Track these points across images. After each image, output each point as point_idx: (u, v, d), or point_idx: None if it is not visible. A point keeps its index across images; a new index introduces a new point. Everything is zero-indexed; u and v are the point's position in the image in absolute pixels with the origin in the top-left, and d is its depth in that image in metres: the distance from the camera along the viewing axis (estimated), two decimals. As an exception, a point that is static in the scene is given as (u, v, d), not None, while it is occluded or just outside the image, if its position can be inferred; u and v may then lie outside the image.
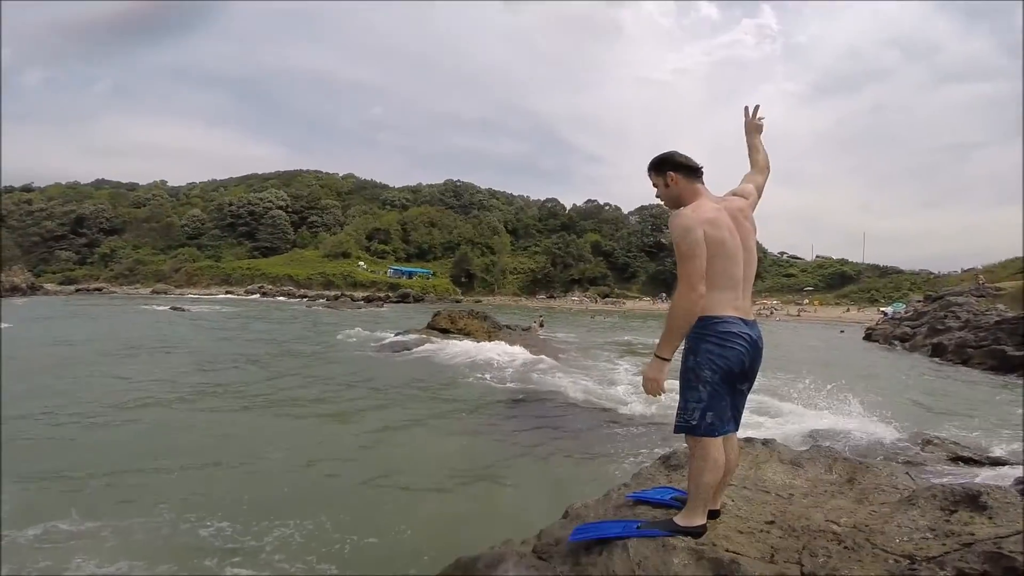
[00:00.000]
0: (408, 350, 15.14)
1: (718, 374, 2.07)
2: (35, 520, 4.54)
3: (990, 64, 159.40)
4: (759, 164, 2.52)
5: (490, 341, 16.47)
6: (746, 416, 2.32)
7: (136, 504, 4.97)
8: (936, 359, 17.89)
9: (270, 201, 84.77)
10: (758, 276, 2.37)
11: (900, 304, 39.93)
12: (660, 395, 2.09)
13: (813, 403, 9.56)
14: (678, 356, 2.15)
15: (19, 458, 6.12)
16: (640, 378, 2.16)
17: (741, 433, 2.42)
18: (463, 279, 73.51)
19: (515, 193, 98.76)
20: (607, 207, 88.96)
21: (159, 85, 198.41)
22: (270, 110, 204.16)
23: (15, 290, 44.72)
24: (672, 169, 2.21)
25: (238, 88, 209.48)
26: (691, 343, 2.13)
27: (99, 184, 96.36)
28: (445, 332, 17.20)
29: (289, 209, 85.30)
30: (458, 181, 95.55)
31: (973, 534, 1.92)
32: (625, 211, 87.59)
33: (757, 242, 2.34)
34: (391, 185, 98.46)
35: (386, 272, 73.04)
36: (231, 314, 33.89)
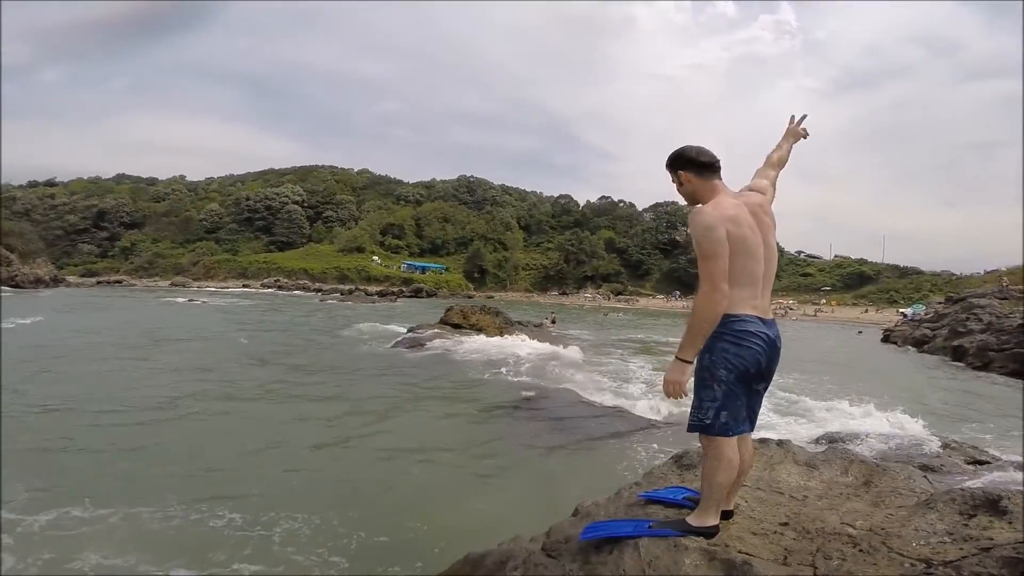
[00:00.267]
0: (421, 345, 15.22)
1: (733, 373, 2.04)
2: (49, 506, 4.65)
3: (1015, 61, 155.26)
4: (772, 160, 2.47)
5: (502, 337, 16.50)
6: (761, 416, 2.29)
7: (146, 494, 5.04)
8: (956, 362, 17.56)
9: (286, 196, 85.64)
10: (775, 275, 2.32)
11: (920, 306, 39.26)
12: (681, 398, 2.07)
13: (828, 404, 9.44)
14: None
15: (36, 446, 6.30)
16: (655, 377, 2.15)
17: (756, 434, 2.39)
18: (476, 275, 73.67)
19: (528, 189, 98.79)
20: (621, 204, 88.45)
21: (177, 81, 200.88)
22: (285, 106, 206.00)
23: (39, 282, 45.75)
24: (683, 167, 2.16)
25: (254, 84, 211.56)
26: (707, 341, 2.08)
27: (120, 179, 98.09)
28: (457, 327, 17.27)
29: (305, 204, 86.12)
30: (471, 177, 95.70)
31: (992, 539, 1.88)
32: (639, 208, 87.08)
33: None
34: (405, 180, 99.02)
35: (400, 267, 73.47)
36: (248, 307, 34.37)
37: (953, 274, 62.43)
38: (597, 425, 7.88)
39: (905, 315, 34.76)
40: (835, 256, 77.76)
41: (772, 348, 2.10)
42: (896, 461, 4.13)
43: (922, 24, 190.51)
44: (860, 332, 32.41)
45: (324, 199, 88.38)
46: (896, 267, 68.71)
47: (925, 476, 2.82)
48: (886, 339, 26.37)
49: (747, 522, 2.24)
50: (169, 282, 65.94)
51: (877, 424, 7.56)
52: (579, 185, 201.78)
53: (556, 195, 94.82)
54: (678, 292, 67.12)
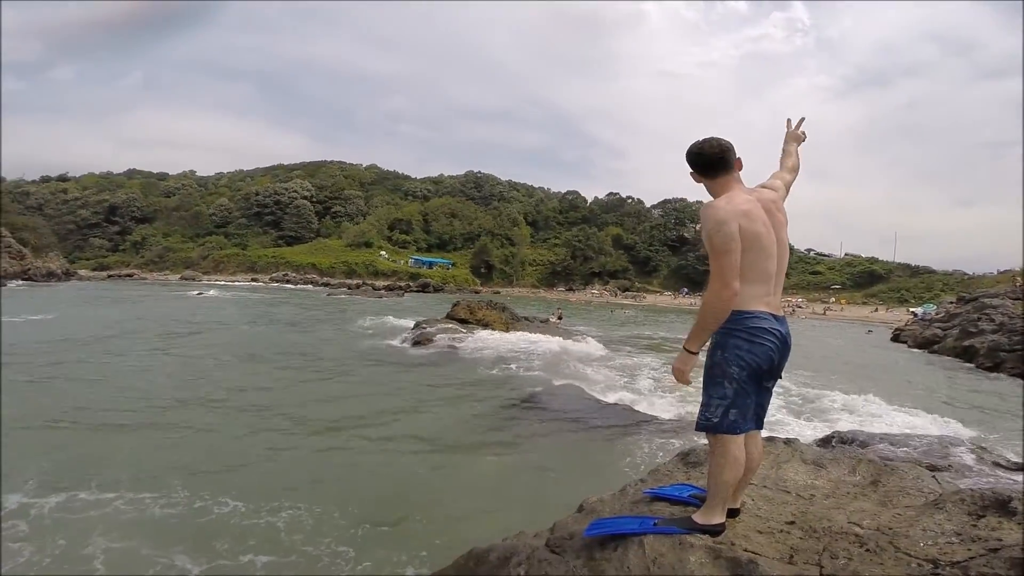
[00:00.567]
0: (427, 340, 15.25)
1: (745, 371, 2.03)
2: (59, 489, 4.78)
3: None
4: (788, 166, 2.44)
5: (508, 332, 16.51)
6: (768, 415, 2.28)
7: (150, 479, 5.15)
8: (967, 363, 17.37)
9: (295, 191, 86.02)
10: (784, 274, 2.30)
11: (931, 305, 38.85)
12: (688, 384, 2.12)
13: (836, 403, 9.38)
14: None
15: (47, 430, 6.42)
16: (663, 374, 2.16)
17: (763, 432, 2.38)
18: (482, 270, 73.74)
19: (535, 185, 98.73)
20: (629, 200, 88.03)
21: (187, 78, 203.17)
22: (294, 101, 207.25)
23: (51, 276, 46.28)
24: (691, 167, 2.15)
25: (263, 80, 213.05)
26: (719, 338, 2.08)
27: (131, 174, 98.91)
28: (464, 322, 17.29)
29: (313, 199, 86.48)
30: (479, 172, 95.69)
31: (1001, 540, 1.86)
32: (648, 204, 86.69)
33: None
34: (413, 176, 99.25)
35: (407, 262, 73.66)
36: (257, 300, 34.63)
37: (965, 273, 61.76)
38: (603, 421, 7.88)
39: (916, 314, 34.43)
40: (846, 254, 77.09)
41: (784, 345, 2.09)
42: (904, 460, 4.10)
43: (936, 22, 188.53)
44: (870, 331, 32.14)
45: (332, 194, 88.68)
46: (907, 266, 68.02)
47: (933, 476, 2.80)
48: (896, 338, 26.14)
49: (753, 520, 2.23)
50: (179, 276, 66.53)
51: (885, 423, 7.50)
52: (587, 181, 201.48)
53: (564, 191, 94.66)
54: (686, 289, 66.81)
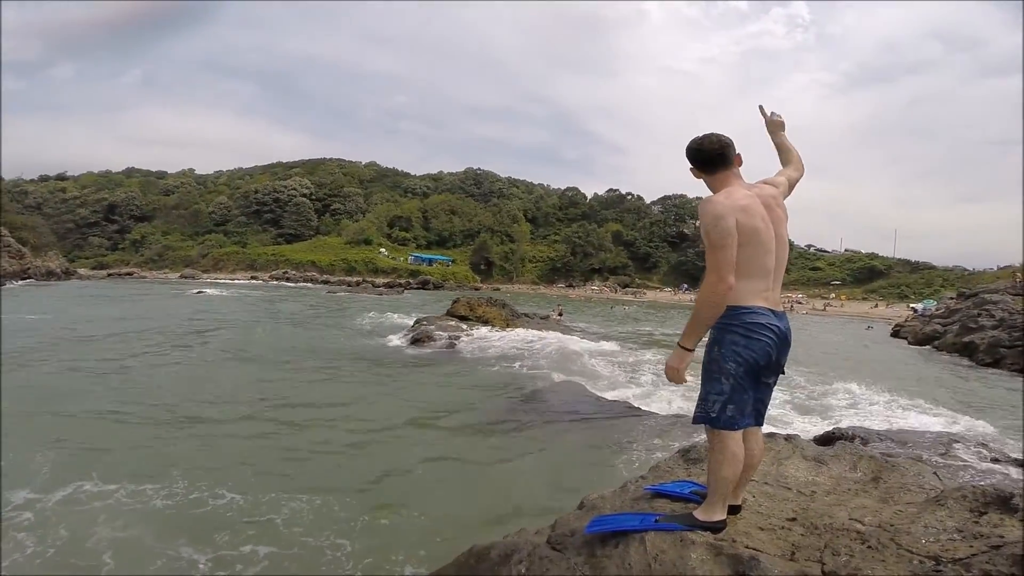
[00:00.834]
0: (427, 336, 15.25)
1: (742, 367, 2.02)
2: (66, 481, 4.89)
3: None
4: (793, 162, 2.39)
5: (508, 329, 16.51)
6: (769, 411, 2.28)
7: (151, 471, 5.24)
8: (967, 359, 17.38)
9: (294, 189, 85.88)
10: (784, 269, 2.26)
11: (931, 301, 38.89)
12: (682, 383, 2.08)
13: (836, 400, 9.38)
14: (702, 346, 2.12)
15: (55, 425, 6.44)
16: (663, 371, 2.14)
17: (764, 428, 2.38)
18: (482, 267, 73.69)
19: (535, 182, 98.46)
20: (629, 196, 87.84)
21: (186, 76, 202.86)
22: (294, 99, 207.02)
23: (51, 275, 46.23)
24: (691, 164, 2.15)
25: (263, 78, 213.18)
26: (716, 333, 2.07)
27: (130, 172, 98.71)
28: (464, 319, 17.29)
29: (313, 197, 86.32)
30: (478, 169, 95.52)
31: (1003, 536, 1.86)
32: (648, 200, 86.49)
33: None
34: (412, 173, 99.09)
35: (407, 259, 73.57)
36: (258, 298, 34.57)
37: (966, 269, 61.81)
38: (604, 418, 7.88)
39: (916, 310, 34.44)
40: (845, 250, 77.05)
41: (783, 341, 2.08)
42: (904, 457, 4.10)
43: (939, 19, 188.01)
44: (869, 327, 32.14)
45: (332, 192, 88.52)
46: (907, 262, 67.99)
47: (935, 472, 2.80)
48: (896, 334, 26.16)
49: (754, 517, 2.23)
50: (179, 274, 66.44)
51: (885, 420, 7.50)
52: (587, 178, 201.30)
53: (563, 188, 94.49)
54: (686, 285, 66.78)
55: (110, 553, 3.89)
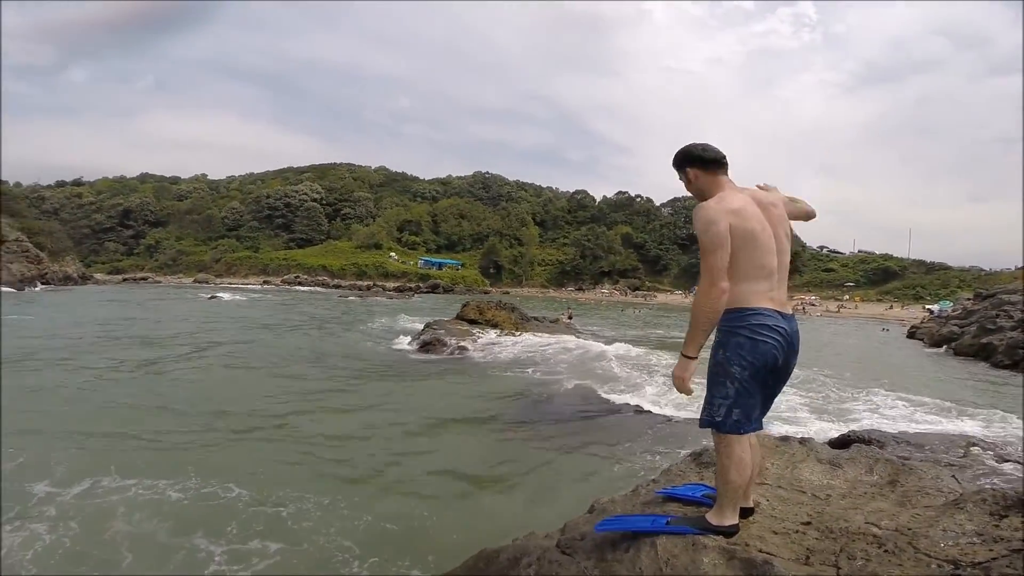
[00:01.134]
0: (438, 340, 15.27)
1: (747, 370, 1.99)
2: (86, 475, 5.06)
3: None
4: (799, 201, 2.33)
5: (518, 332, 16.49)
6: (782, 414, 2.25)
7: (165, 466, 5.39)
8: (985, 361, 17.07)
9: (305, 194, 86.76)
10: (796, 271, 2.24)
11: (947, 302, 38.28)
12: (689, 394, 2.04)
13: (851, 402, 9.26)
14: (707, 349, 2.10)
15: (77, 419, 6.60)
16: (671, 374, 2.11)
17: (778, 431, 2.35)
18: (491, 270, 73.85)
19: (543, 185, 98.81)
20: (638, 199, 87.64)
21: (197, 79, 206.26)
22: (303, 103, 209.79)
23: (68, 279, 47.04)
24: (690, 165, 2.14)
25: (272, 83, 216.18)
26: (721, 336, 2.05)
27: (144, 178, 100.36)
28: (473, 323, 17.29)
29: (323, 201, 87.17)
30: (487, 173, 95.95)
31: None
32: (657, 203, 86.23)
33: (796, 235, 2.24)
34: (421, 177, 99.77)
35: (416, 263, 73.95)
36: (270, 303, 34.91)
37: (982, 269, 60.86)
38: (615, 421, 7.83)
39: (932, 311, 33.94)
40: (859, 251, 76.20)
41: (790, 343, 2.05)
42: (922, 460, 4.03)
43: (945, 16, 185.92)
44: (885, 329, 31.74)
45: (342, 196, 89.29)
46: (922, 262, 67.04)
47: (953, 476, 2.74)
48: (912, 336, 25.81)
49: (768, 521, 2.20)
50: (192, 279, 67.30)
51: (902, 423, 7.38)
52: (596, 180, 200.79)
53: (572, 190, 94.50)
54: (696, 288, 66.40)
55: (127, 545, 4.00)
